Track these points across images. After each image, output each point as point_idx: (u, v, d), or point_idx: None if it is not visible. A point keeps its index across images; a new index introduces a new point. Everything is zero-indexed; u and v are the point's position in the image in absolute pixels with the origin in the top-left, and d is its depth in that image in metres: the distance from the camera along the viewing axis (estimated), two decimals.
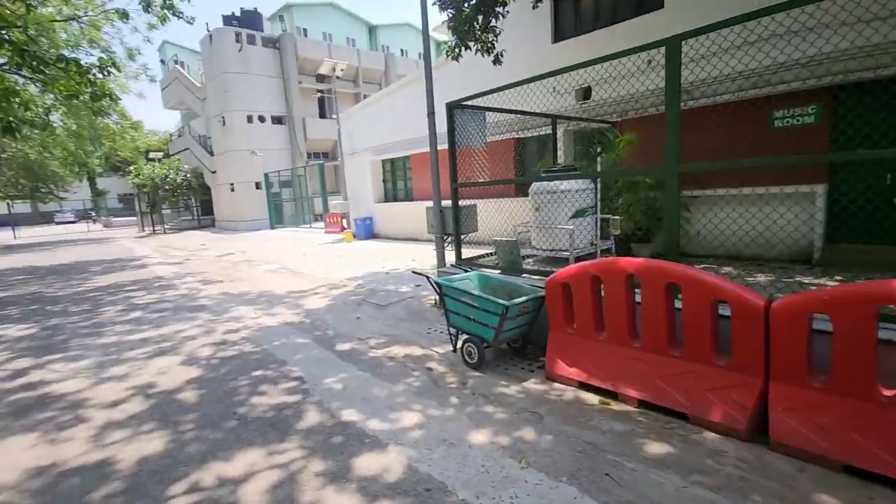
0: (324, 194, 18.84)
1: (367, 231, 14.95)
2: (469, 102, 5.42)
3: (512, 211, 6.68)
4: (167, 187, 25.79)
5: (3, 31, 9.33)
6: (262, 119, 23.79)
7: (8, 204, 32.11)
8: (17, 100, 8.10)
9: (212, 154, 26.75)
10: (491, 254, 5.81)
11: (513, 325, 4.09)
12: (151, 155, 30.15)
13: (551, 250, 4.91)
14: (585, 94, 8.35)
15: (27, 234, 32.74)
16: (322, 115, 26.68)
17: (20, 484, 2.88)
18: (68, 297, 8.65)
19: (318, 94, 25.21)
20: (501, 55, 7.35)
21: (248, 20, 23.63)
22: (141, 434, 3.37)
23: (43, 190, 26.02)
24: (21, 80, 12.28)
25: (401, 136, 13.27)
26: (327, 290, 7.89)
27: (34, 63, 9.35)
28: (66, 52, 12.27)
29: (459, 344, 4.45)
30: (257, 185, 23.78)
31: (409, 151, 13.10)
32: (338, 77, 16.01)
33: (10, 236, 31.17)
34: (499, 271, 5.15)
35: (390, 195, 14.91)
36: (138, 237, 25.24)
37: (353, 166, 15.69)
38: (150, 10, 10.71)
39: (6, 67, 10.01)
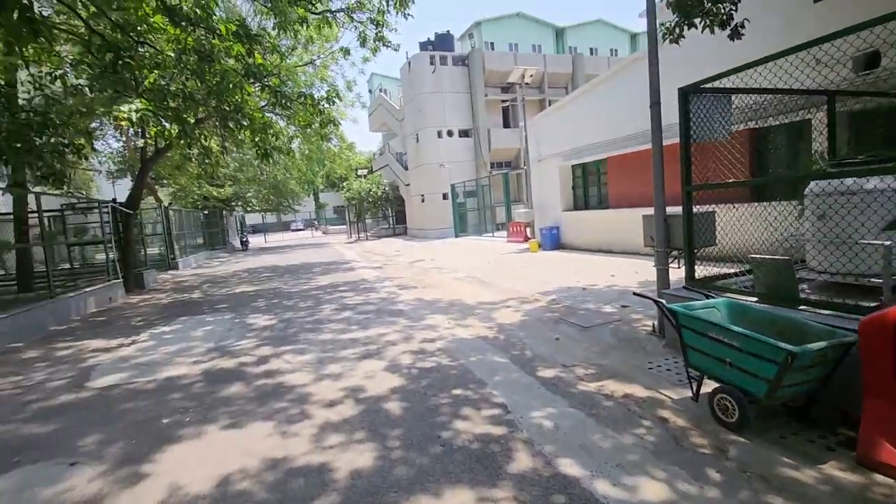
0: (507, 203, 18.84)
1: (553, 241, 14.23)
2: (709, 85, 4.30)
3: (759, 218, 5.19)
4: (370, 200, 29.51)
5: (265, 79, 11.67)
6: (450, 133, 25.28)
7: (262, 216, 41.41)
8: (272, 131, 9.93)
9: (406, 169, 29.64)
10: (736, 274, 4.52)
11: (799, 378, 2.91)
12: (360, 172, 35.08)
13: (845, 274, 3.46)
14: (870, 61, 6.16)
15: (272, 238, 41.78)
16: (506, 125, 27.07)
17: (259, 474, 3.03)
18: (298, 294, 10.14)
19: (504, 104, 25.63)
20: (742, 26, 5.88)
21: (442, 42, 25.48)
22: (353, 443, 3.33)
23: (284, 204, 32.63)
24: (274, 117, 15.44)
25: (595, 139, 12.23)
26: (518, 303, 7.46)
27: (283, 101, 11.42)
28: (303, 91, 14.86)
29: (705, 391, 3.42)
30: (444, 196, 25.29)
31: (605, 154, 11.97)
32: (526, 83, 15.77)
33: (262, 240, 40.22)
34: (756, 299, 3.90)
35: (580, 203, 13.92)
36: (347, 243, 29.46)
37: (540, 173, 15.19)
38: (365, 44, 12.10)
39: (265, 107, 12.44)
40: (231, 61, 8.83)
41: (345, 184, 32.32)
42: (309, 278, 12.78)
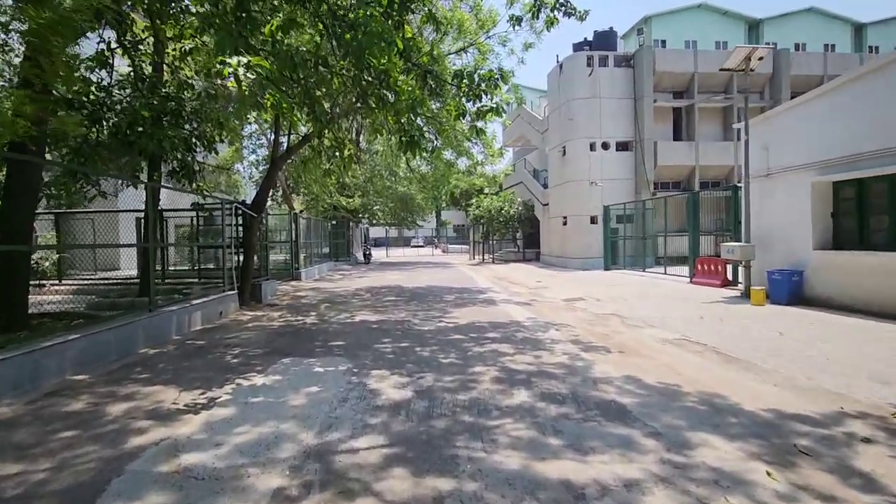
0: (694, 234, 14.34)
1: (791, 291, 9.63)
2: None
3: None
4: (501, 219, 26.66)
5: (413, 57, 9.36)
6: (605, 146, 21.38)
7: (385, 230, 41.29)
8: (423, 110, 7.53)
9: (545, 187, 26.26)
10: None
11: None
12: (486, 190, 32.58)
13: None
14: None
15: (394, 253, 41.31)
16: (677, 137, 22.32)
17: None
18: (434, 338, 7.31)
19: (684, 106, 20.98)
20: None
21: (601, 42, 21.91)
22: None
23: (409, 219, 31.49)
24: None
25: (888, 141, 7.65)
26: (870, 427, 3.57)
27: (432, 84, 8.95)
28: (459, 70, 12.54)
29: None
30: (592, 220, 21.33)
31: None
32: (750, 70, 11.45)
33: (384, 254, 39.85)
34: None
35: (846, 237, 9.19)
36: (471, 265, 26.88)
37: (767, 193, 10.72)
38: (539, 14, 9.16)
39: (414, 84, 10.16)
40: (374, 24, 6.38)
41: (473, 200, 30.01)
42: (442, 311, 10.01)
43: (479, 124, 8.07)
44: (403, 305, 10.89)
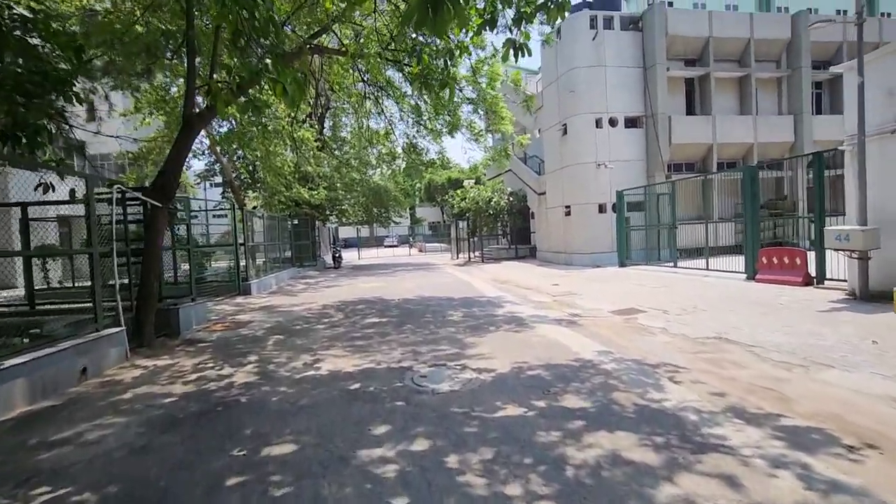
0: (753, 219, 11.37)
1: None
2: None
3: None
4: (490, 212, 23.39)
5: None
6: (612, 122, 18.37)
7: (356, 229, 37.34)
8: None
9: (539, 174, 23.14)
10: None
11: None
12: (466, 182, 29.22)
13: None
14: None
15: (366, 254, 37.23)
16: (690, 112, 19.56)
17: None
18: (469, 418, 3.86)
19: (697, 76, 18.13)
20: None
21: (604, 1, 18.86)
22: None
23: (384, 214, 27.82)
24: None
25: None
26: None
27: None
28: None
29: None
30: (601, 208, 18.30)
31: None
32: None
33: (356, 256, 35.89)
34: None
35: None
36: (457, 265, 23.49)
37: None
38: None
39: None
40: None
41: (457, 191, 26.60)
42: (456, 342, 6.56)
43: (518, 37, 4.61)
44: (394, 333, 7.38)
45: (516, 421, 3.71)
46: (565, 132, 19.07)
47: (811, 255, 9.93)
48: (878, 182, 7.95)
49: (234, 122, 10.93)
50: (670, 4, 18.99)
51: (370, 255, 37.80)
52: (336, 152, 23.43)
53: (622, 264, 16.85)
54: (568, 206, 19.17)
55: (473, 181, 29.78)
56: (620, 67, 18.30)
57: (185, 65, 6.93)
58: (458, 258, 28.55)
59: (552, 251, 20.85)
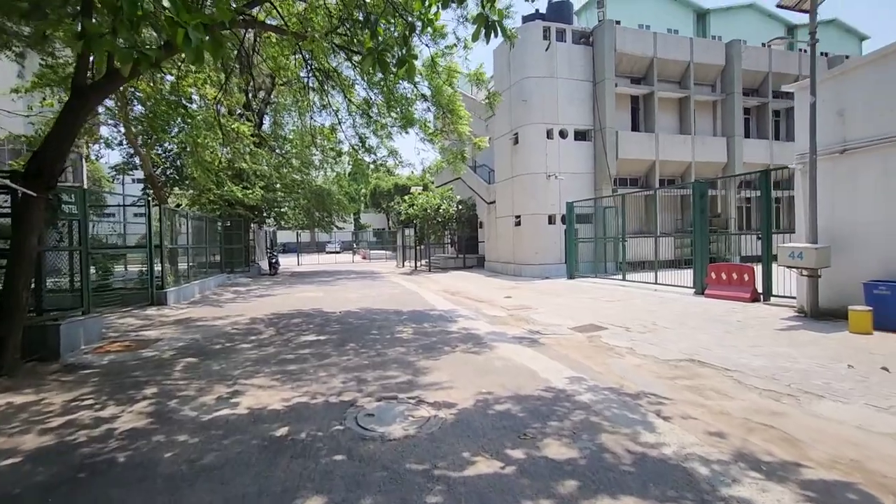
0: (701, 239, 11.44)
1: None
2: None
3: None
4: (439, 219, 22.67)
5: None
6: (563, 134, 18.35)
7: (297, 234, 35.28)
8: None
9: (489, 182, 22.80)
10: None
11: None
12: (413, 189, 28.37)
13: None
14: None
15: (307, 260, 35.16)
16: (634, 128, 20.01)
17: None
18: (412, 459, 2.99)
19: (642, 94, 18.52)
20: None
21: (556, 13, 18.93)
22: None
23: (327, 219, 26.25)
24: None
25: None
26: None
27: None
28: None
29: None
30: (550, 219, 18.15)
31: None
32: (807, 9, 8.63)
33: (295, 262, 33.80)
34: None
35: None
36: (403, 274, 22.52)
37: (846, 176, 7.90)
38: None
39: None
40: None
41: (405, 197, 25.66)
42: (408, 367, 5.67)
43: (491, 14, 3.88)
44: (334, 355, 6.34)
45: (492, 483, 2.89)
46: (517, 141, 18.83)
47: (758, 272, 10.06)
48: (827, 201, 8.06)
49: (152, 102, 9.37)
50: (618, 23, 19.34)
51: (310, 261, 35.81)
52: (277, 150, 21.77)
53: (571, 276, 16.71)
54: (518, 217, 18.88)
55: (422, 188, 29.02)
56: (571, 80, 18.38)
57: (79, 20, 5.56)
58: (403, 266, 27.57)
59: (501, 261, 20.47)
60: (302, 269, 28.62)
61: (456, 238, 25.10)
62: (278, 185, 22.90)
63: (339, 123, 11.04)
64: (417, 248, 24.66)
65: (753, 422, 3.80)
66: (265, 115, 20.29)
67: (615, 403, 4.26)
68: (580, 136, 18.78)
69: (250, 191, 17.05)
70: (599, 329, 7.85)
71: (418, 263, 25.28)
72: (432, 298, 12.62)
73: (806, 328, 7.35)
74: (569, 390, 4.66)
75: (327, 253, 48.25)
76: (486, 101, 10.15)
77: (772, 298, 9.85)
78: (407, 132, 10.68)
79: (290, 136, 21.18)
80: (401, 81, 9.02)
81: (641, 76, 20.00)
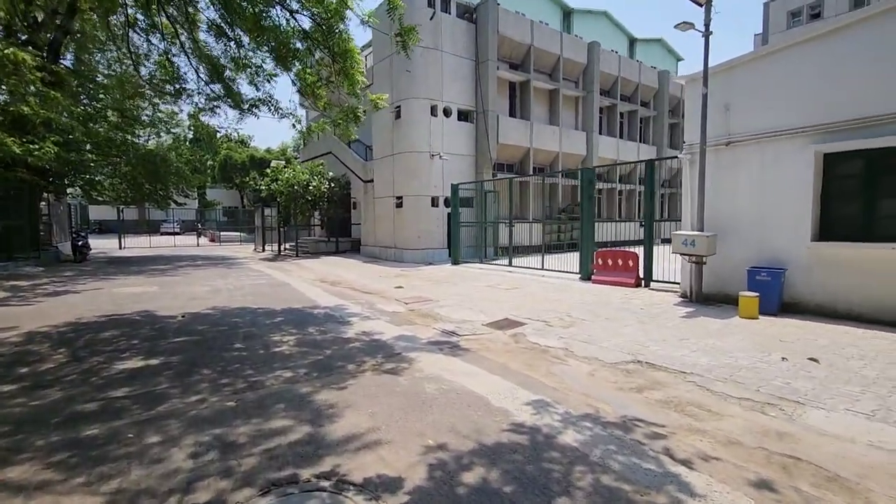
0: (588, 225, 11.46)
1: (776, 295, 7.29)
2: None
3: None
4: (309, 197, 19.92)
5: None
6: (447, 112, 17.34)
7: (118, 209, 28.29)
8: None
9: (366, 159, 20.81)
10: None
11: None
12: (274, 163, 24.81)
13: None
14: None
15: (133, 243, 28.45)
16: (512, 115, 20.00)
17: None
18: None
19: (519, 81, 18.37)
20: None
21: None
22: None
23: (161, 193, 21.21)
24: None
25: None
26: None
27: None
28: None
29: None
30: (434, 202, 17.11)
31: None
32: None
33: (116, 245, 27.07)
34: None
35: (844, 226, 7.15)
36: (265, 259, 19.41)
37: (729, 167, 8.22)
38: None
39: None
40: None
41: (268, 170, 22.09)
42: (303, 406, 3.92)
43: None
44: (174, 395, 4.19)
45: None
46: (399, 115, 17.26)
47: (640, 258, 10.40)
48: (711, 191, 8.39)
49: None
50: (498, 4, 19.00)
51: (139, 243, 28.94)
52: (84, 98, 16.57)
53: (456, 262, 15.99)
54: (400, 198, 17.45)
55: (284, 163, 25.51)
56: (455, 56, 17.42)
57: None
58: (264, 251, 24.03)
59: (380, 245, 18.86)
60: (126, 253, 22.91)
61: (327, 219, 22.58)
62: (88, 146, 17.57)
63: (182, 52, 8.13)
64: (281, 229, 21.51)
65: (772, 452, 3.11)
66: (64, 46, 15.12)
67: (611, 444, 3.23)
68: (463, 116, 18.03)
69: (37, 146, 12.34)
70: (517, 325, 6.97)
71: (282, 247, 22.17)
72: (310, 291, 10.53)
73: (703, 314, 7.48)
74: (542, 427, 3.51)
75: (163, 234, 40.06)
76: (398, 38, 8.38)
77: (652, 284, 10.26)
78: (285, 71, 8.35)
79: (106, 81, 16.26)
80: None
81: (519, 63, 20.04)
